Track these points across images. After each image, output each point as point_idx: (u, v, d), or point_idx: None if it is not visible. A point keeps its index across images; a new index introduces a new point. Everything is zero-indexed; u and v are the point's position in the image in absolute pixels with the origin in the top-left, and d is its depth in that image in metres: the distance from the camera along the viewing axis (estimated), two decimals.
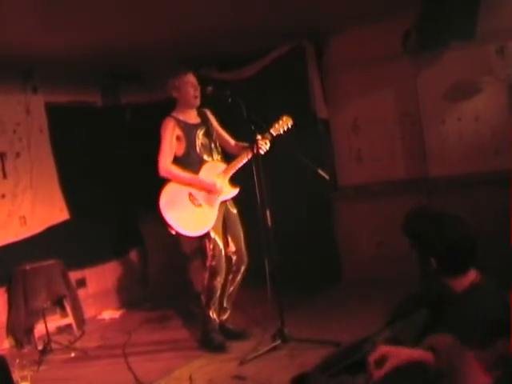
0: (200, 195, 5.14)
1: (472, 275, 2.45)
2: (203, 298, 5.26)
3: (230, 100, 5.02)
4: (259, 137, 5.08)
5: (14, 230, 6.34)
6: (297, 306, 5.95)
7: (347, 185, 7.05)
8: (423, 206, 2.74)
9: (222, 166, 5.29)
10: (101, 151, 7.24)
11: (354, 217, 6.99)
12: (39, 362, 5.29)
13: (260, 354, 4.79)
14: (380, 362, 2.14)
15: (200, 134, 5.30)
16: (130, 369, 4.85)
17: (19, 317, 5.94)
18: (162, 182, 5.13)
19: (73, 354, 5.58)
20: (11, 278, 6.07)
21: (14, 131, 6.44)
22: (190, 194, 5.13)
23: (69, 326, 6.29)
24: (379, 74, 6.57)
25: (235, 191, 5.30)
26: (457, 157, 6.20)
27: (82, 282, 6.97)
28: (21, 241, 6.34)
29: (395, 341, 2.33)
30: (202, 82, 5.40)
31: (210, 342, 5.18)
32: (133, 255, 7.69)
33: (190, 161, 5.20)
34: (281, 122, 5.25)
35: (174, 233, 5.09)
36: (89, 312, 6.79)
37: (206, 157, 5.27)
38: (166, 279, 7.65)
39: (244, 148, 5.24)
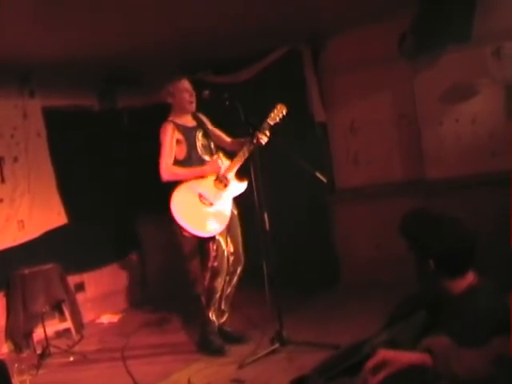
0: (209, 194, 5.12)
1: (470, 277, 2.45)
2: (203, 298, 5.25)
3: (227, 103, 5.03)
4: (257, 129, 5.08)
5: (12, 234, 6.34)
6: (295, 309, 5.95)
7: (345, 187, 7.06)
8: (421, 208, 2.73)
9: (226, 162, 5.30)
10: (98, 155, 7.24)
11: (351, 219, 6.99)
12: (38, 367, 5.30)
13: (259, 357, 4.79)
14: (379, 367, 2.14)
15: (199, 135, 5.31)
16: (128, 372, 4.85)
17: (18, 321, 5.93)
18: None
19: (71, 358, 5.58)
20: (10, 282, 6.07)
21: (12, 135, 6.44)
22: (200, 195, 5.11)
23: (67, 330, 6.29)
24: (376, 76, 6.58)
25: (244, 184, 5.26)
26: (454, 158, 6.20)
27: (80, 286, 6.97)
28: (19, 245, 6.35)
29: (393, 343, 2.33)
30: (199, 85, 5.41)
31: (209, 344, 5.18)
32: (131, 259, 7.69)
33: (191, 163, 5.20)
34: (276, 110, 5.23)
35: (187, 235, 5.08)
36: (87, 316, 6.78)
37: (207, 157, 5.28)
38: (164, 282, 7.65)
39: (244, 141, 5.22)
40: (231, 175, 5.22)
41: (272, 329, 5.01)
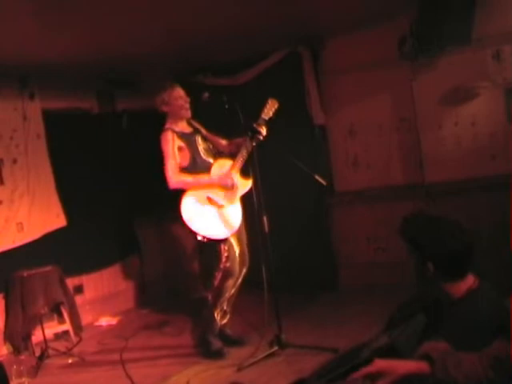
0: (219, 196, 5.12)
1: (470, 280, 2.45)
2: (211, 297, 5.22)
3: (226, 106, 5.03)
4: (254, 125, 5.09)
5: (12, 236, 6.33)
6: (294, 312, 5.95)
7: (344, 190, 7.05)
8: (421, 211, 2.74)
9: (229, 162, 5.28)
10: (97, 157, 7.24)
11: (351, 222, 6.99)
12: (37, 369, 5.30)
13: (257, 360, 4.79)
14: (377, 376, 2.13)
15: (199, 139, 5.32)
16: (127, 375, 4.85)
17: (17, 323, 5.92)
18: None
19: (70, 361, 5.58)
20: (8, 284, 6.05)
21: (11, 137, 6.44)
22: (209, 198, 5.10)
23: (66, 332, 6.27)
24: (376, 79, 6.58)
25: (250, 183, 5.23)
26: (454, 162, 6.20)
27: (79, 289, 6.96)
28: (18, 247, 6.34)
29: (392, 347, 2.32)
30: (199, 87, 5.41)
31: (208, 346, 5.17)
32: (130, 261, 7.68)
33: (197, 168, 5.16)
34: (268, 105, 5.24)
35: (203, 239, 5.03)
36: (86, 318, 6.76)
37: (211, 159, 5.27)
38: (163, 285, 7.65)
39: (241, 141, 5.22)
40: (235, 175, 5.21)
41: (271, 332, 5.00)
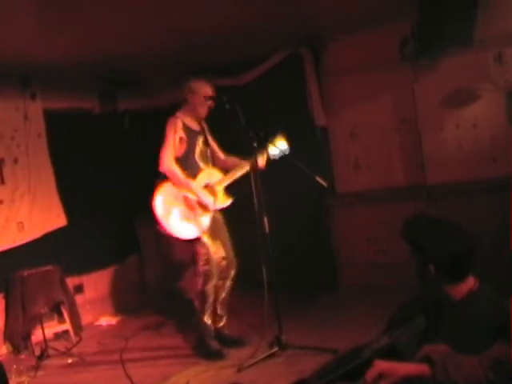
0: (195, 200, 5.15)
1: (471, 282, 2.45)
2: (197, 303, 5.26)
3: (227, 106, 5.03)
4: (255, 154, 5.11)
5: (12, 235, 6.33)
6: (294, 313, 5.94)
7: (345, 192, 7.04)
8: (422, 213, 2.74)
9: (219, 175, 5.32)
10: (98, 157, 7.24)
11: (352, 224, 6.98)
12: (36, 368, 5.30)
13: (257, 360, 4.79)
14: (376, 379, 2.13)
15: (200, 141, 5.34)
16: (127, 375, 4.85)
17: (17, 323, 5.92)
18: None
19: (70, 360, 5.58)
20: (9, 283, 6.05)
21: (12, 137, 6.44)
22: (186, 197, 5.14)
23: (66, 331, 6.27)
24: (377, 80, 6.57)
25: (228, 202, 5.33)
26: (455, 164, 6.20)
27: (79, 288, 6.96)
28: (18, 246, 6.34)
29: (393, 348, 2.32)
30: None
31: (207, 348, 5.18)
32: (130, 261, 7.68)
33: (187, 164, 5.21)
34: (276, 141, 5.23)
35: (163, 232, 5.12)
36: (86, 318, 6.76)
37: (202, 164, 5.31)
38: (163, 285, 7.65)
39: (240, 164, 5.28)
40: (220, 189, 5.27)
41: (271, 333, 5.00)
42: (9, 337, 5.97)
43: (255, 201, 4.98)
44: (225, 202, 5.31)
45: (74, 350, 5.84)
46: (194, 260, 5.25)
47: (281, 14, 5.59)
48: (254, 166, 5.06)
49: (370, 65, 6.54)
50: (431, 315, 2.46)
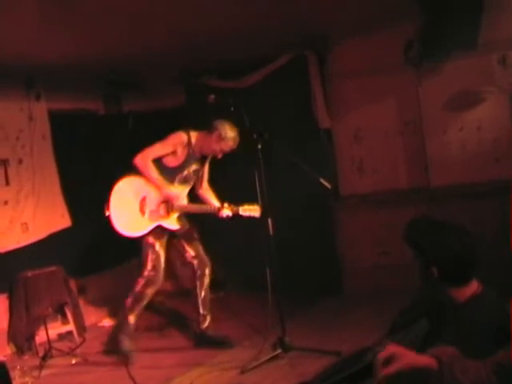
0: (150, 205, 5.25)
1: (474, 286, 2.44)
2: (129, 301, 5.36)
3: (232, 108, 5.04)
4: (226, 204, 5.23)
5: (16, 236, 6.34)
6: (298, 315, 5.94)
7: (349, 194, 7.05)
8: (425, 215, 2.73)
9: (185, 201, 5.41)
10: (103, 158, 7.24)
11: (356, 226, 6.98)
12: (40, 369, 5.29)
13: (261, 362, 4.79)
14: (387, 361, 2.13)
15: (192, 168, 5.39)
16: (130, 376, 4.83)
17: (20, 323, 5.93)
18: None
19: (73, 361, 5.58)
20: (13, 284, 6.07)
21: (17, 138, 6.45)
22: (143, 199, 5.23)
23: (70, 332, 6.28)
24: (381, 83, 6.58)
25: (176, 227, 5.38)
26: (459, 166, 6.20)
27: (83, 289, 6.96)
28: (23, 247, 6.35)
29: None
30: (204, 89, 5.40)
31: (117, 344, 5.32)
32: (134, 263, 7.67)
33: (165, 174, 5.28)
34: (252, 207, 5.23)
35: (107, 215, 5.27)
36: (89, 319, 6.77)
37: (176, 184, 5.36)
38: (165, 286, 7.64)
39: (209, 206, 5.40)
40: (175, 214, 5.34)
41: (274, 335, 5.01)
42: (12, 337, 5.98)
43: (259, 202, 4.99)
44: (173, 225, 5.37)
45: (78, 351, 5.84)
46: (142, 263, 5.33)
47: (281, 14, 5.57)
48: (216, 212, 5.23)
49: (375, 68, 6.54)
50: (434, 317, 2.46)
